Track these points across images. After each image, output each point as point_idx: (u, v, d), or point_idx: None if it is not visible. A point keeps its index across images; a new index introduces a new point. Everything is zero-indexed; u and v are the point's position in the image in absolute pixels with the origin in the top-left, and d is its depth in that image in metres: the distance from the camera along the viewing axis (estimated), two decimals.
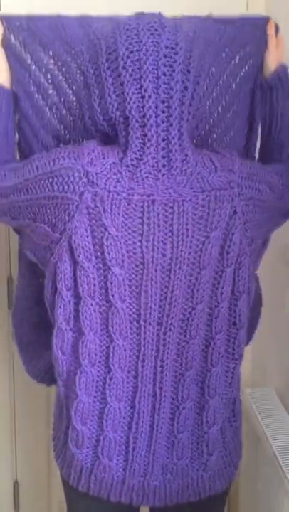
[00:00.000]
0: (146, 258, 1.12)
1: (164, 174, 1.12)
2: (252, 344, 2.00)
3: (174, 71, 1.09)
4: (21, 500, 2.11)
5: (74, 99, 1.26)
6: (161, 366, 1.17)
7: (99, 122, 1.16)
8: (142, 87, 1.09)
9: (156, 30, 1.10)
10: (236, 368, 1.24)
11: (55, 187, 1.12)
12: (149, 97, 1.09)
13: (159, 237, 1.12)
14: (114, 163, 1.12)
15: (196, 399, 1.21)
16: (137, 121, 1.11)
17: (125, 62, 1.08)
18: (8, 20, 1.29)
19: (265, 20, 1.34)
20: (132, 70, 1.08)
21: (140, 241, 1.11)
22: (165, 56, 1.09)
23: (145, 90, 1.08)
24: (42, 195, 1.14)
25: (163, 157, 1.11)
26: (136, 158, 1.12)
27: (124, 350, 1.16)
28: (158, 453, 1.20)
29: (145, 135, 1.11)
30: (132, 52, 1.09)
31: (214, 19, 1.31)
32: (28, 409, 2.04)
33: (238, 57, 1.30)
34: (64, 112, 1.28)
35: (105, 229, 1.10)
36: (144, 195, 1.11)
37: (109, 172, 1.11)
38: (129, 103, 1.10)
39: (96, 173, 1.11)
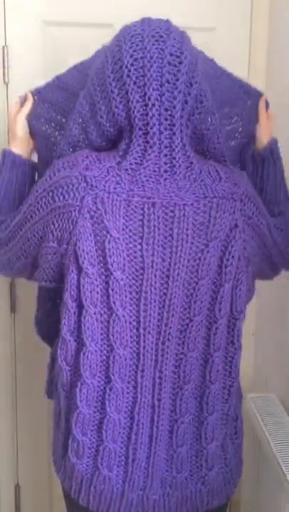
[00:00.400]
0: (146, 262, 1.12)
1: (166, 179, 1.12)
2: (254, 350, 2.01)
3: (177, 80, 1.09)
4: (22, 503, 2.10)
5: (77, 130, 1.23)
6: (160, 377, 1.17)
7: (110, 135, 1.16)
8: (145, 94, 1.09)
9: (161, 36, 1.10)
10: (233, 387, 1.24)
11: (56, 198, 1.13)
12: (153, 105, 1.09)
13: (158, 241, 1.12)
14: (111, 166, 1.13)
15: (194, 413, 1.21)
16: (140, 128, 1.11)
17: (129, 70, 1.08)
18: (40, 92, 1.35)
19: (259, 93, 1.38)
20: (136, 77, 1.09)
21: (140, 244, 1.12)
22: (169, 64, 1.09)
23: (149, 98, 1.09)
24: (45, 212, 1.14)
25: (165, 163, 1.12)
26: (135, 163, 1.12)
27: (125, 360, 1.16)
28: (157, 465, 1.20)
29: (147, 142, 1.11)
30: (136, 59, 1.09)
31: (215, 62, 1.34)
32: (29, 413, 2.03)
33: (226, 109, 1.31)
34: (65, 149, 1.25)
35: (107, 231, 1.11)
36: (145, 197, 1.11)
37: (108, 175, 1.11)
38: (133, 112, 1.10)
39: (94, 177, 1.11)
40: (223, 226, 1.15)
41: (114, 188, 1.11)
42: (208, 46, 1.85)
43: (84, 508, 1.23)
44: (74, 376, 1.19)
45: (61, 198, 1.12)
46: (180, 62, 1.09)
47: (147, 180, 1.12)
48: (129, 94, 1.09)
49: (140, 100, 1.09)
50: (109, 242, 1.11)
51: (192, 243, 1.13)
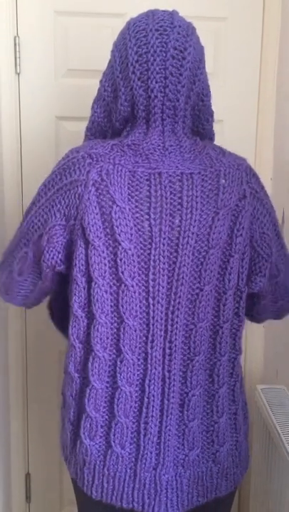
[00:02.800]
0: (154, 231, 1.14)
1: (170, 152, 1.15)
2: (264, 342, 2.01)
3: (181, 75, 1.12)
4: (33, 491, 2.12)
5: (89, 132, 1.30)
6: (170, 348, 1.18)
7: (119, 130, 1.21)
8: (148, 87, 1.12)
9: (164, 30, 1.12)
10: (236, 360, 1.25)
11: (64, 178, 1.16)
12: (155, 96, 1.13)
13: (166, 210, 1.14)
14: (114, 144, 1.16)
15: (205, 386, 1.22)
16: (144, 117, 1.16)
17: (134, 67, 1.12)
18: None
19: None
20: (140, 72, 1.12)
21: (148, 213, 1.13)
22: (173, 57, 1.12)
23: (152, 90, 1.12)
24: (52, 192, 1.17)
25: (169, 139, 1.15)
26: (138, 139, 1.16)
27: (134, 331, 1.17)
28: (169, 441, 1.20)
29: (150, 126, 1.16)
30: (140, 55, 1.12)
31: None
32: (40, 402, 2.05)
33: None
34: None
35: (113, 202, 1.12)
36: (150, 168, 1.14)
37: (112, 151, 1.15)
38: (137, 104, 1.14)
39: (99, 153, 1.14)
40: (232, 195, 1.17)
41: (119, 160, 1.13)
42: (220, 35, 1.86)
43: (98, 503, 1.23)
44: (86, 352, 1.20)
45: (68, 176, 1.15)
46: (183, 58, 1.12)
47: (152, 153, 1.14)
48: (133, 90, 1.13)
49: (143, 94, 1.13)
50: (115, 213, 1.12)
51: (202, 210, 1.15)
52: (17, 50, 1.81)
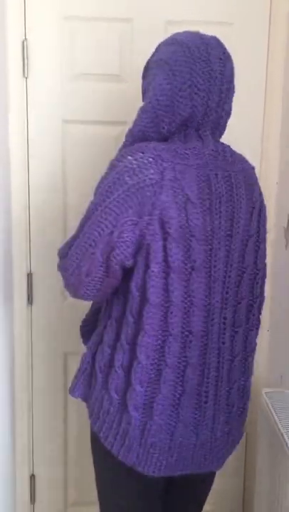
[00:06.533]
0: (215, 224, 1.29)
1: (220, 155, 1.33)
2: (269, 346, 2.01)
3: (228, 98, 1.34)
4: (37, 493, 2.13)
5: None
6: (224, 323, 1.35)
7: (164, 137, 1.32)
8: (207, 106, 1.30)
9: (221, 59, 1.31)
10: (253, 331, 1.44)
11: (134, 176, 1.22)
12: (211, 114, 1.30)
13: (223, 206, 1.30)
14: (177, 147, 1.27)
15: (242, 354, 1.40)
16: (194, 127, 1.32)
17: (198, 89, 1.28)
18: None
19: None
20: (205, 93, 1.28)
21: (210, 209, 1.28)
22: (228, 83, 1.32)
23: (210, 109, 1.30)
24: (122, 189, 1.23)
25: (216, 146, 1.33)
26: (196, 145, 1.30)
27: (200, 311, 1.30)
28: (220, 402, 1.37)
29: (200, 135, 1.32)
30: (205, 80, 1.28)
31: None
32: (45, 403, 2.06)
33: None
34: None
35: (188, 199, 1.25)
36: (209, 170, 1.29)
37: (177, 153, 1.26)
38: (192, 117, 1.29)
39: (168, 156, 1.25)
40: (256, 192, 1.38)
41: (187, 162, 1.27)
42: (226, 41, 1.87)
43: (130, 469, 1.32)
44: (136, 330, 1.29)
45: (139, 175, 1.22)
46: (230, 82, 1.33)
47: (207, 157, 1.30)
48: (194, 107, 1.28)
49: (202, 111, 1.29)
50: (190, 209, 1.25)
51: (245, 205, 1.34)
52: (25, 53, 1.82)
